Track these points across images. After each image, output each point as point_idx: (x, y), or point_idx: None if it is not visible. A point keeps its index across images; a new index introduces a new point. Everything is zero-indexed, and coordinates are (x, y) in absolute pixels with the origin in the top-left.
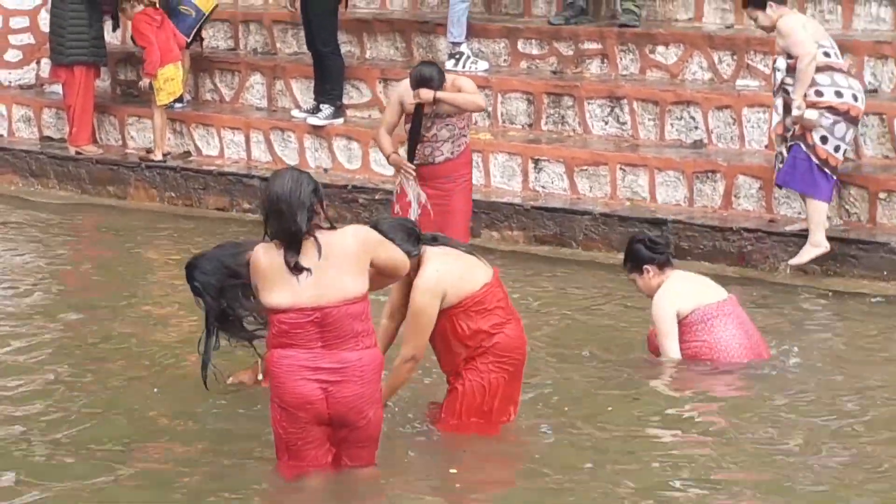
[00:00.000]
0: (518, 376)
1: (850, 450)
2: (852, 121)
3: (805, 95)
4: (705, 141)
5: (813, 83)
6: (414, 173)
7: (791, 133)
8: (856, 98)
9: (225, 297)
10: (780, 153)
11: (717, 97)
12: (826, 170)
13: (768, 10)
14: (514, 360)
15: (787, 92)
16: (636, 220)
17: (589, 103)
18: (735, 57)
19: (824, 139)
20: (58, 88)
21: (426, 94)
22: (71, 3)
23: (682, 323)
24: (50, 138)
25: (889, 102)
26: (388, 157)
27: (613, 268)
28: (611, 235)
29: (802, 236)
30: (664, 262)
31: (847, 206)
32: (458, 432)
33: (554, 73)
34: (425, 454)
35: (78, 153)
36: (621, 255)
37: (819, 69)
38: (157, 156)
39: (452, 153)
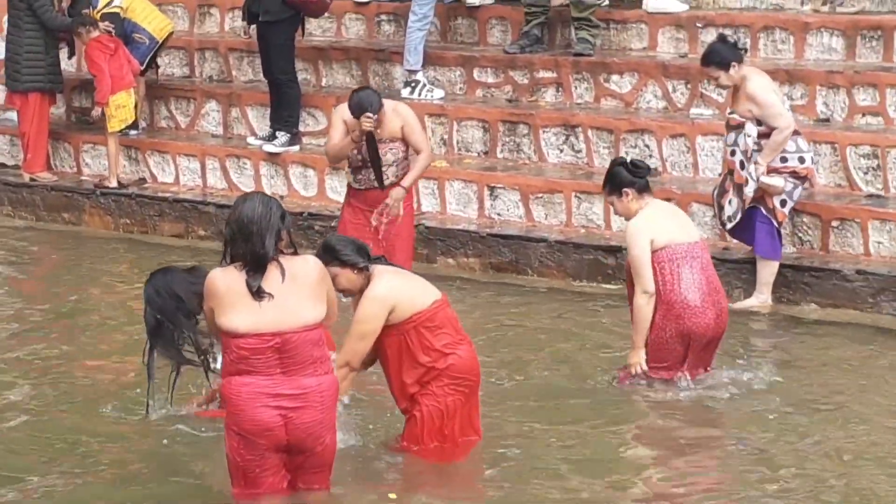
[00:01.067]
0: (475, 399)
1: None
2: (805, 182)
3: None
4: (660, 169)
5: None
6: (375, 118)
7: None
8: (813, 161)
9: (165, 314)
10: (721, 204)
11: (671, 125)
12: (774, 222)
13: (731, 70)
14: (468, 381)
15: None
16: (591, 248)
17: (544, 131)
18: (689, 86)
19: (783, 202)
20: (12, 115)
21: (398, 192)
22: (27, 29)
23: (652, 257)
24: (4, 165)
25: (841, 132)
26: (352, 139)
27: (569, 294)
28: (566, 263)
29: (753, 263)
30: (643, 187)
31: (800, 234)
32: (421, 457)
33: (509, 101)
34: (381, 477)
35: (32, 180)
36: (577, 283)
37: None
38: (112, 183)
39: (397, 176)
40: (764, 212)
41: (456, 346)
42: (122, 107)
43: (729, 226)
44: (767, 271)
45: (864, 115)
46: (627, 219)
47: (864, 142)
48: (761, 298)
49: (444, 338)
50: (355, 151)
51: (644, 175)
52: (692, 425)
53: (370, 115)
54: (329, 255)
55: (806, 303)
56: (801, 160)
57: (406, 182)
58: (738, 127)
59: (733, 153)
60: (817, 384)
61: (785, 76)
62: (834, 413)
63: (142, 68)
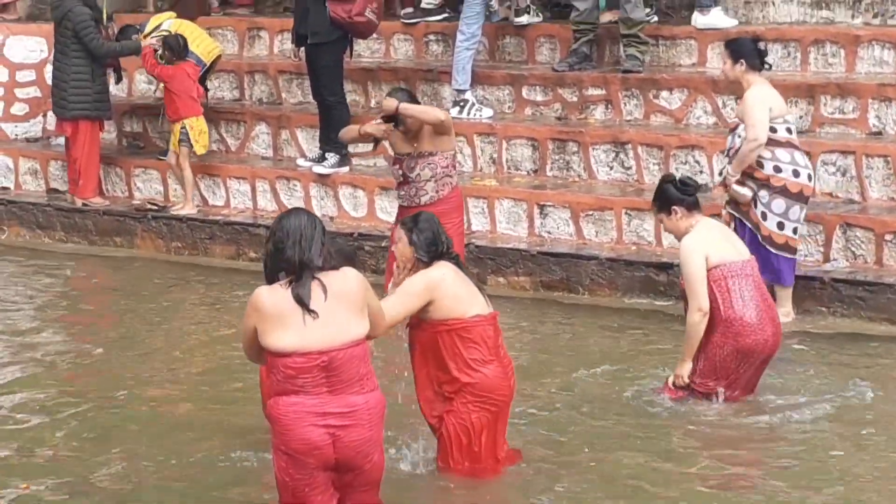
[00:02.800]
0: (503, 417)
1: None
2: (805, 200)
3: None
4: (710, 185)
5: (773, 158)
6: (385, 125)
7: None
8: (810, 178)
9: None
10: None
11: (721, 141)
12: (786, 254)
13: (738, 66)
14: (494, 400)
15: (759, 164)
16: (642, 265)
17: (594, 149)
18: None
19: (780, 225)
20: (62, 140)
21: (389, 102)
22: (74, 57)
23: (706, 275)
24: (56, 190)
25: (894, 145)
26: (360, 131)
27: (620, 312)
28: (617, 280)
29: (809, 278)
30: (692, 205)
31: (853, 248)
32: (457, 475)
33: (558, 119)
34: (426, 496)
35: (85, 205)
36: (629, 300)
37: (780, 144)
38: (189, 209)
39: (437, 192)
40: (760, 239)
41: (484, 364)
42: (203, 132)
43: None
44: (781, 293)
45: None
46: (677, 236)
47: None
48: (783, 311)
49: (475, 353)
50: (397, 166)
51: (693, 193)
52: (742, 448)
53: (391, 99)
54: (409, 226)
55: (859, 318)
56: (796, 174)
57: (403, 104)
58: (735, 129)
59: (727, 153)
60: (871, 406)
61: (836, 90)
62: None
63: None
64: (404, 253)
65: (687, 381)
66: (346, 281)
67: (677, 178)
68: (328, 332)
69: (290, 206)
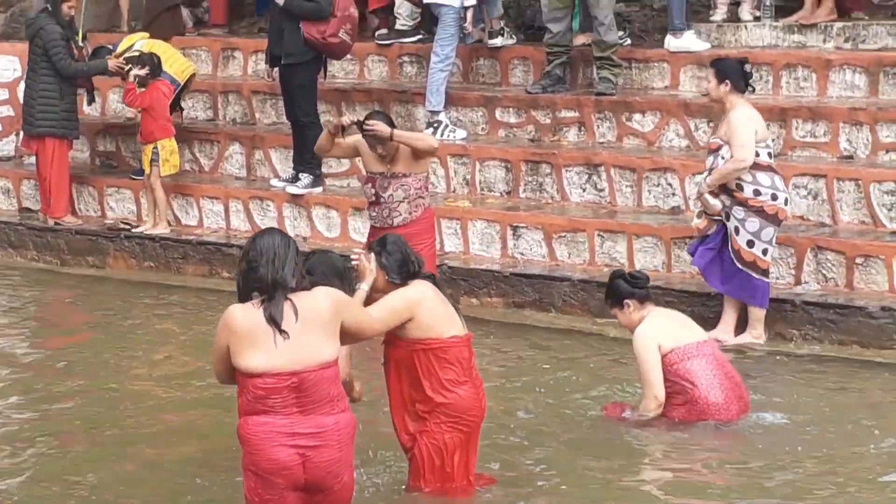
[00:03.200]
0: (474, 438)
1: None
2: (778, 223)
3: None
4: (682, 207)
5: (754, 181)
6: (347, 121)
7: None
8: (786, 202)
9: None
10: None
11: (693, 164)
12: (753, 273)
13: (722, 86)
14: (466, 421)
15: (739, 187)
16: None
17: (567, 171)
18: (711, 124)
19: (750, 243)
20: (34, 160)
21: (382, 127)
22: (43, 75)
23: (662, 362)
24: (29, 209)
25: (865, 168)
26: (330, 129)
27: (593, 334)
28: (589, 302)
29: (780, 300)
30: (644, 297)
31: (824, 271)
32: (429, 495)
33: (532, 141)
34: None
35: (57, 224)
36: (601, 322)
37: (762, 168)
38: (161, 228)
39: (410, 214)
40: (730, 253)
41: (458, 385)
42: (174, 152)
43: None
44: (752, 313)
45: (887, 151)
46: (630, 329)
47: (887, 178)
48: (755, 334)
49: (450, 373)
50: (369, 185)
51: (644, 285)
52: (713, 465)
53: (384, 125)
54: (377, 249)
55: (831, 341)
56: (774, 197)
57: (397, 131)
58: (717, 150)
59: (708, 175)
60: (836, 425)
61: (808, 113)
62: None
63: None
64: (379, 279)
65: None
66: (316, 302)
67: (627, 273)
68: (299, 353)
69: (263, 227)
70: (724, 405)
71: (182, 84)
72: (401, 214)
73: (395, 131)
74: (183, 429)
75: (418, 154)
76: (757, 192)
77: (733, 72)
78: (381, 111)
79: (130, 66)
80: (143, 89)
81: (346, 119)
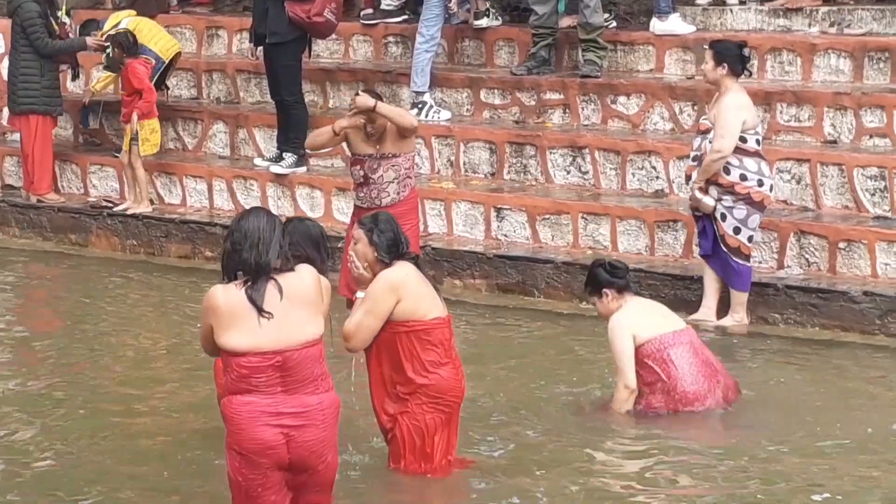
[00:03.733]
0: (455, 419)
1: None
2: (763, 210)
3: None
4: (666, 190)
5: (741, 165)
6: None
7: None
8: (772, 188)
9: None
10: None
11: (678, 147)
12: (737, 259)
13: (720, 68)
14: (447, 401)
15: (726, 170)
16: None
17: (551, 153)
18: (696, 107)
19: (737, 230)
20: (18, 137)
21: (364, 98)
22: (23, 52)
23: (639, 351)
24: (11, 186)
25: (848, 153)
26: (336, 129)
27: (575, 316)
28: (573, 284)
29: (763, 284)
30: (623, 287)
31: (807, 256)
32: (409, 475)
33: (516, 122)
34: (378, 496)
35: (39, 201)
36: (583, 305)
37: (749, 154)
38: (143, 207)
39: (398, 194)
40: (730, 253)
41: (439, 366)
42: (155, 131)
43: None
44: (735, 296)
45: (871, 136)
46: (607, 319)
47: (871, 163)
48: (737, 318)
49: (432, 355)
50: (357, 167)
51: (623, 275)
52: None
53: (367, 96)
54: (368, 226)
55: (813, 325)
56: (760, 183)
57: (381, 104)
58: (706, 132)
59: (695, 158)
60: (818, 407)
61: (792, 97)
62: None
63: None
64: (364, 253)
65: None
66: (301, 281)
67: (607, 262)
68: (283, 333)
69: (247, 206)
70: (703, 393)
71: (167, 62)
72: (389, 195)
73: (379, 104)
74: (165, 411)
75: (403, 133)
76: (743, 177)
77: (731, 55)
78: (371, 90)
79: (109, 45)
80: (109, 74)
81: (349, 120)
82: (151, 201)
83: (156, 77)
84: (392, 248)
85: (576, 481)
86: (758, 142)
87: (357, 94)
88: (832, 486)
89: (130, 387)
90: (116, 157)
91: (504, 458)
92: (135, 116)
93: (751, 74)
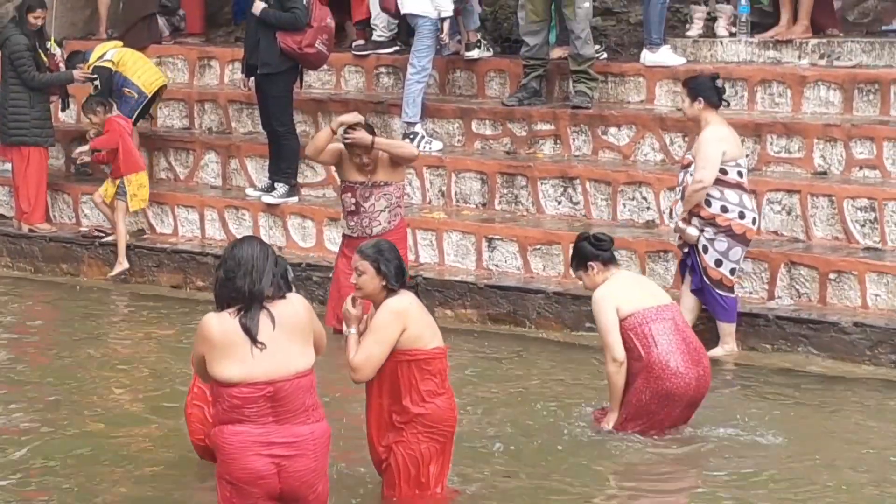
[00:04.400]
0: (449, 448)
1: None
2: (746, 243)
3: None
4: (657, 221)
5: (721, 197)
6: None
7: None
8: (754, 221)
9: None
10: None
11: (668, 178)
12: (720, 291)
13: (696, 104)
14: (442, 431)
15: (707, 203)
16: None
17: (542, 183)
18: (686, 138)
19: (718, 262)
20: (10, 166)
21: (362, 135)
22: (11, 84)
23: (621, 325)
24: (2, 216)
25: (838, 185)
26: (332, 128)
27: (567, 346)
28: (564, 314)
29: (753, 315)
30: (608, 260)
31: (797, 286)
32: (400, 501)
33: (507, 153)
34: None
35: (31, 231)
36: (575, 334)
37: (730, 186)
38: (124, 265)
39: (389, 223)
40: (712, 285)
41: (436, 396)
42: (143, 186)
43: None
44: (722, 328)
45: (861, 168)
46: (593, 290)
47: (861, 195)
48: (727, 349)
49: (430, 385)
50: (349, 195)
51: (608, 248)
52: (671, 480)
53: (364, 133)
54: (374, 256)
55: (803, 354)
56: (742, 216)
57: (378, 139)
58: (688, 167)
59: (678, 190)
60: (809, 441)
61: (782, 129)
62: (825, 466)
63: (132, 122)
64: (369, 285)
65: (610, 429)
66: (294, 310)
67: (591, 235)
68: (275, 363)
69: (238, 236)
70: (682, 372)
71: (150, 96)
72: (381, 224)
73: (377, 139)
74: (159, 436)
75: (397, 161)
76: (724, 209)
77: (706, 88)
78: (360, 122)
79: (96, 76)
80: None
81: (352, 117)
82: (143, 231)
83: (138, 111)
84: (399, 275)
85: None
86: (740, 174)
87: (349, 125)
88: None
89: (118, 416)
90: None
91: (490, 488)
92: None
93: (728, 104)
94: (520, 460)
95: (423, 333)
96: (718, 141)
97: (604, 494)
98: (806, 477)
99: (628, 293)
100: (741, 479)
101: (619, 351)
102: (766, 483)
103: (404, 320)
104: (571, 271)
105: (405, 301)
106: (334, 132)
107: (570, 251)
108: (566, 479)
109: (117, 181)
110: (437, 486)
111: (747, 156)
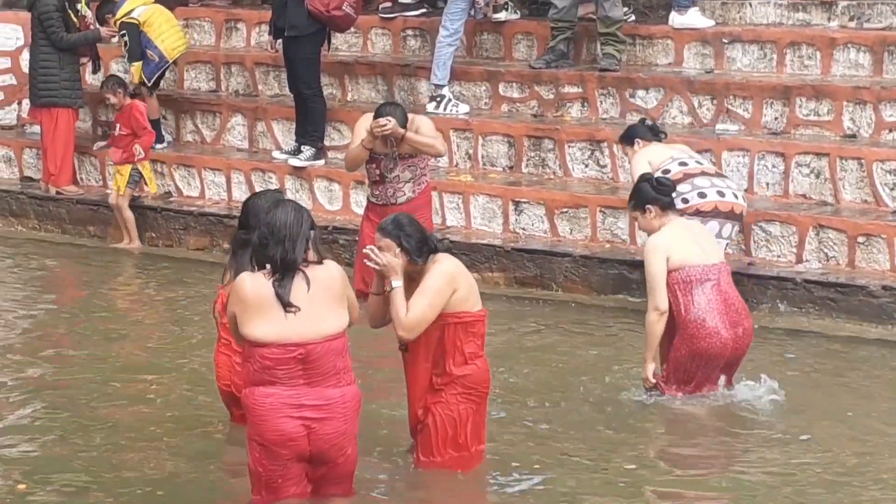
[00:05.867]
0: (484, 409)
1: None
2: (737, 218)
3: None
4: None
5: (693, 187)
6: (387, 124)
7: None
8: (736, 196)
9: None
10: None
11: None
12: None
13: (636, 145)
14: (480, 392)
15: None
16: (616, 262)
17: (569, 146)
18: (715, 101)
19: None
20: (38, 129)
21: (396, 127)
22: (41, 45)
23: (668, 277)
24: (30, 178)
25: (867, 148)
26: (363, 144)
27: (593, 309)
28: (591, 277)
29: (781, 278)
30: (667, 205)
31: (826, 250)
32: (437, 468)
33: (535, 116)
34: (401, 490)
35: (59, 193)
36: (602, 298)
37: (693, 175)
38: (137, 244)
39: (414, 192)
40: None
41: (476, 357)
42: (150, 171)
43: None
44: None
45: (890, 130)
46: (650, 235)
47: (890, 158)
48: None
49: (472, 346)
50: (373, 165)
51: (668, 193)
52: (709, 440)
53: (381, 121)
54: (394, 233)
55: (831, 319)
56: (721, 194)
57: (409, 134)
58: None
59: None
60: (840, 402)
61: (812, 92)
62: (852, 431)
63: (149, 85)
64: (394, 262)
65: (653, 381)
66: (329, 274)
67: (654, 178)
68: (307, 325)
69: None
70: (715, 329)
71: (171, 62)
72: (405, 194)
73: (408, 134)
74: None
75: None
76: (702, 195)
77: (639, 131)
78: (395, 103)
79: (124, 32)
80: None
81: (386, 126)
82: (169, 193)
83: (156, 76)
84: (422, 247)
85: (598, 474)
86: (681, 163)
87: (381, 115)
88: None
89: (144, 379)
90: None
91: (523, 448)
92: (139, 150)
93: (666, 136)
94: (548, 423)
95: (471, 295)
96: (640, 159)
97: (637, 457)
98: (840, 437)
99: (681, 245)
100: (780, 443)
101: (662, 301)
102: (804, 446)
103: (456, 282)
104: (628, 209)
105: (453, 263)
106: (367, 148)
107: (631, 190)
108: (593, 442)
109: (128, 168)
110: (474, 447)
111: (776, 118)
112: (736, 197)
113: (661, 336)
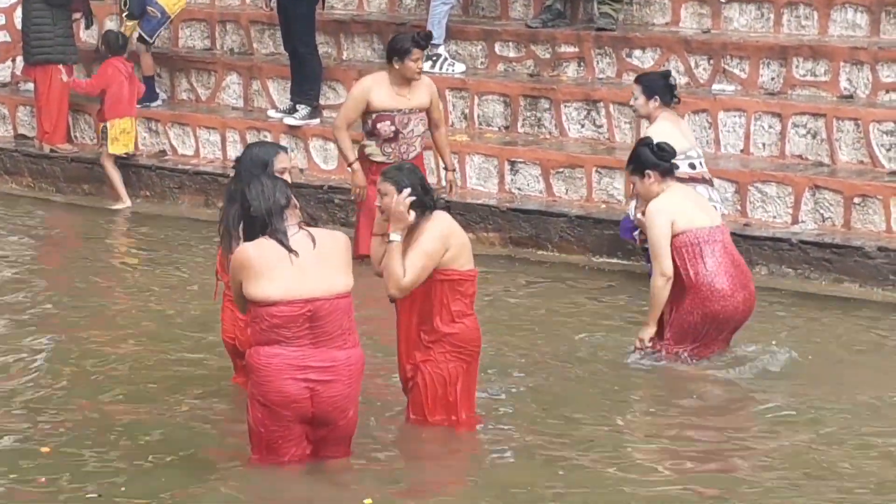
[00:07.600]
0: (475, 368)
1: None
2: (706, 181)
3: None
4: None
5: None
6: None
7: None
8: (692, 166)
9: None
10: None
11: (693, 101)
12: None
13: (651, 102)
14: (469, 350)
15: None
16: (612, 223)
17: (565, 106)
18: (711, 61)
19: None
20: (32, 86)
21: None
22: (34, 1)
23: (673, 241)
24: (24, 136)
25: (864, 108)
26: (349, 164)
27: (589, 270)
28: (586, 238)
29: (777, 239)
30: (666, 171)
31: (822, 211)
32: (429, 427)
33: (531, 75)
34: (393, 448)
35: (53, 151)
36: (597, 258)
37: (681, 180)
38: (126, 202)
39: (421, 146)
40: None
41: (464, 316)
42: (126, 132)
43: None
44: None
45: (887, 91)
46: (647, 201)
47: (887, 118)
48: None
49: (460, 305)
50: (388, 122)
51: (668, 159)
52: (703, 403)
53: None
54: (396, 178)
55: (827, 280)
56: (692, 166)
57: (452, 165)
58: None
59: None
60: (833, 363)
61: (808, 52)
62: (846, 393)
63: (151, 41)
64: (405, 215)
65: (648, 344)
66: (334, 237)
67: (654, 143)
68: (314, 282)
69: None
70: (728, 292)
71: (172, 18)
72: (416, 149)
73: (452, 166)
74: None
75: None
76: (692, 167)
77: (660, 87)
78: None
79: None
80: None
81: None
82: (164, 152)
83: (157, 33)
84: (423, 201)
85: (593, 434)
86: (691, 166)
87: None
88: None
89: (136, 338)
90: (145, 106)
91: (519, 410)
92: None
93: (679, 101)
94: (544, 386)
95: (461, 254)
96: (661, 136)
97: (640, 421)
98: (845, 397)
99: (683, 209)
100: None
101: (668, 266)
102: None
103: (448, 240)
104: (626, 173)
105: (447, 221)
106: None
107: (629, 154)
108: (592, 405)
109: (101, 125)
110: (463, 411)
111: (772, 78)
112: (693, 167)
113: (664, 300)
